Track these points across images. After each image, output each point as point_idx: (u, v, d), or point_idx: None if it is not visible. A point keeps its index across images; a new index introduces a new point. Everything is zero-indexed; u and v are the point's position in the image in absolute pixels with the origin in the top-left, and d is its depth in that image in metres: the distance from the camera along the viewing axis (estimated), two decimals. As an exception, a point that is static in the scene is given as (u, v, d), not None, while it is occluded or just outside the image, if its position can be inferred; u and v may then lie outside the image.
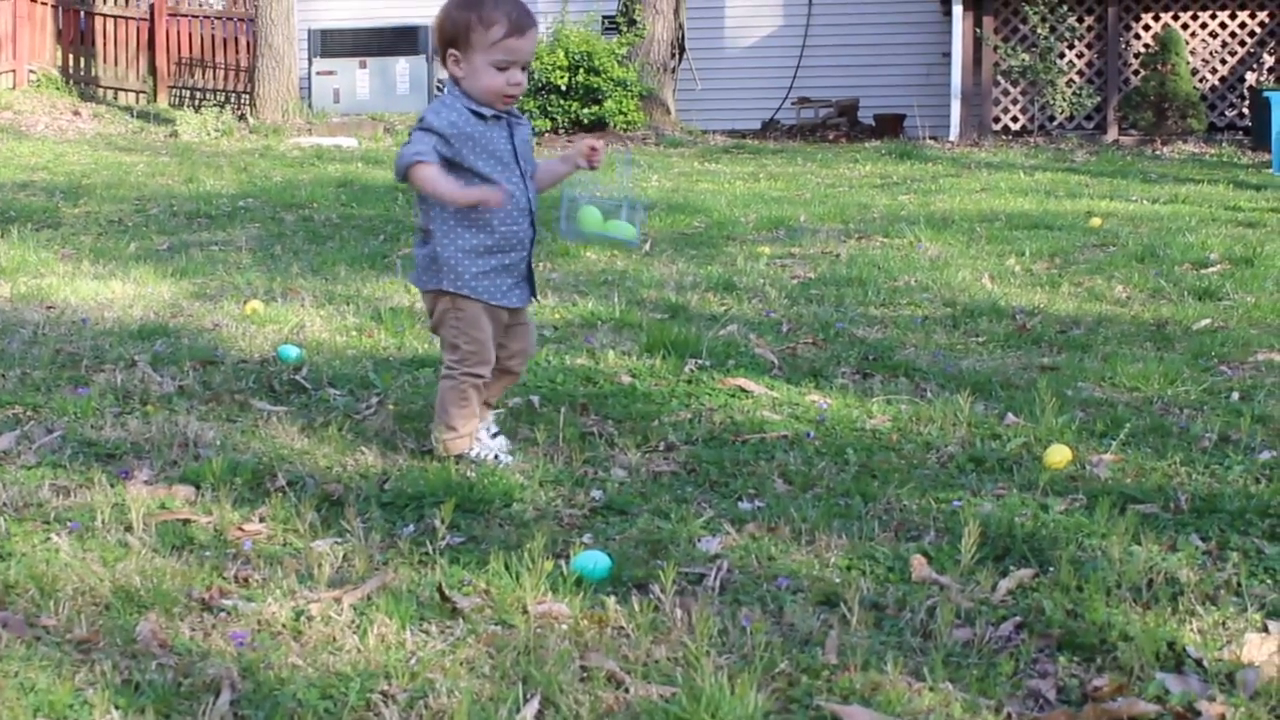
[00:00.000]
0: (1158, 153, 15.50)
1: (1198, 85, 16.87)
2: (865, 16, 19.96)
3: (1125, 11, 17.46)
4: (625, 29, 18.65)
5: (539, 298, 3.83)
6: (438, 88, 19.61)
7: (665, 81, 18.99)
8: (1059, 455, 3.70)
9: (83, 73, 20.07)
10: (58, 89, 19.39)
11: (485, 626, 2.64)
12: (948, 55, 17.94)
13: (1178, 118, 16.14)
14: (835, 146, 16.89)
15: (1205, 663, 2.46)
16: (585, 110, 17.34)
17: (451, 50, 3.61)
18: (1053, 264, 7.38)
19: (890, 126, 18.45)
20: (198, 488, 3.48)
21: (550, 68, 17.42)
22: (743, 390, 4.54)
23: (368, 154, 14.79)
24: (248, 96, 18.76)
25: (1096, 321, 5.79)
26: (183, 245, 8.21)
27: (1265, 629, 2.60)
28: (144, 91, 20.24)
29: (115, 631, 2.59)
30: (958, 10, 17.40)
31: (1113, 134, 17.00)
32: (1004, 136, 17.35)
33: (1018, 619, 2.66)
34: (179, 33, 20.54)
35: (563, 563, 2.92)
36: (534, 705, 2.31)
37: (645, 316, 5.81)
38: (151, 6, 20.45)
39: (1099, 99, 17.28)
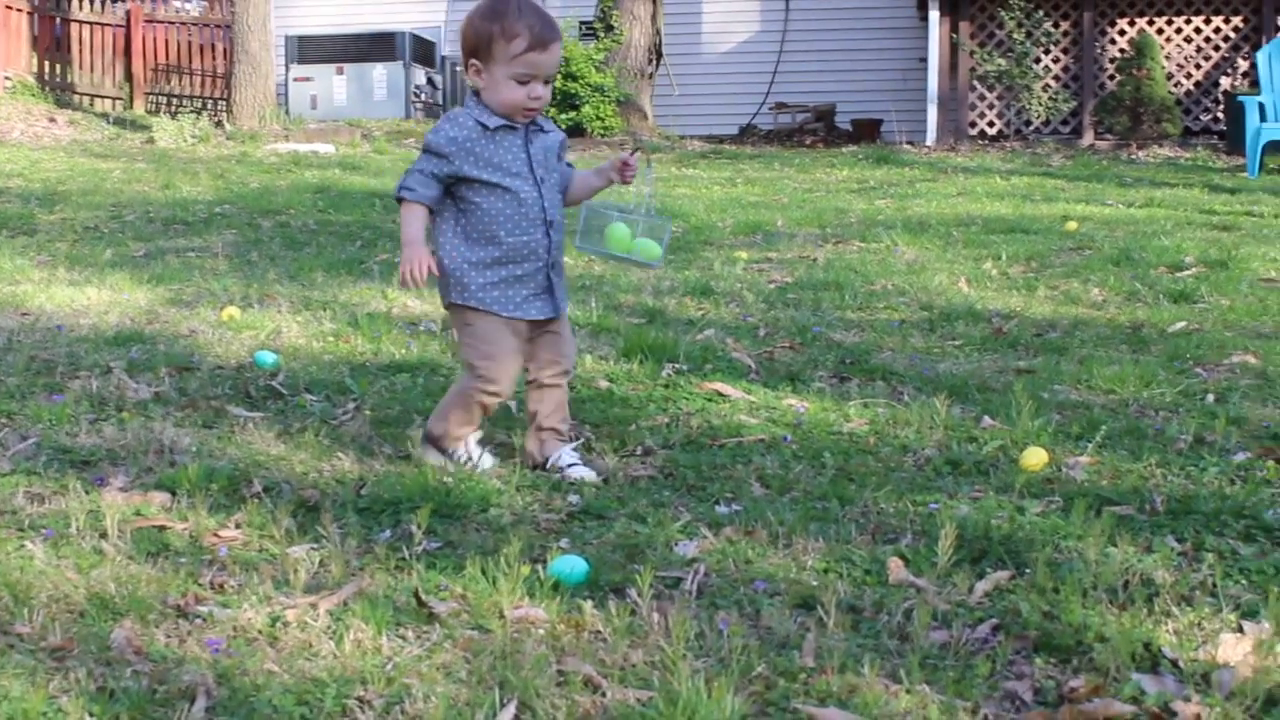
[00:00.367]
0: (1133, 157, 15.56)
1: (1173, 90, 16.94)
2: (842, 22, 20.02)
3: (1101, 16, 17.53)
4: (602, 35, 18.67)
5: (562, 309, 3.72)
6: (415, 94, 19.60)
7: (643, 87, 19.01)
8: (1035, 458, 3.71)
9: (59, 79, 20.01)
10: (33, 95, 19.32)
11: (462, 631, 2.63)
12: (924, 60, 18.00)
13: (1153, 122, 16.21)
14: (812, 151, 16.92)
15: (1181, 663, 2.46)
16: (563, 116, 17.34)
17: (473, 60, 3.58)
18: (1029, 267, 7.40)
19: (867, 131, 18.50)
20: (173, 494, 3.47)
21: (527, 73, 17.39)
22: (720, 394, 4.54)
23: (345, 160, 14.77)
24: (224, 103, 18.74)
25: (1072, 324, 5.81)
26: (159, 252, 8.18)
27: (1240, 629, 2.60)
28: (120, 98, 20.20)
29: (90, 639, 2.57)
30: (934, 16, 17.45)
31: (1088, 138, 17.06)
32: (980, 141, 17.40)
33: (994, 621, 2.66)
34: (155, 39, 20.51)
35: (540, 567, 2.91)
36: (510, 710, 2.30)
37: (622, 321, 5.81)
38: (128, 13, 20.42)
39: (1075, 104, 17.34)
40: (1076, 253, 7.92)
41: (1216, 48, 17.36)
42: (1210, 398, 4.50)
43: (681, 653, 2.44)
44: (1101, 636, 2.55)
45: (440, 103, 20.50)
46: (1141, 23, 17.42)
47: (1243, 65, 17.19)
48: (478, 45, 3.55)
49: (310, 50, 19.80)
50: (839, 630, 2.62)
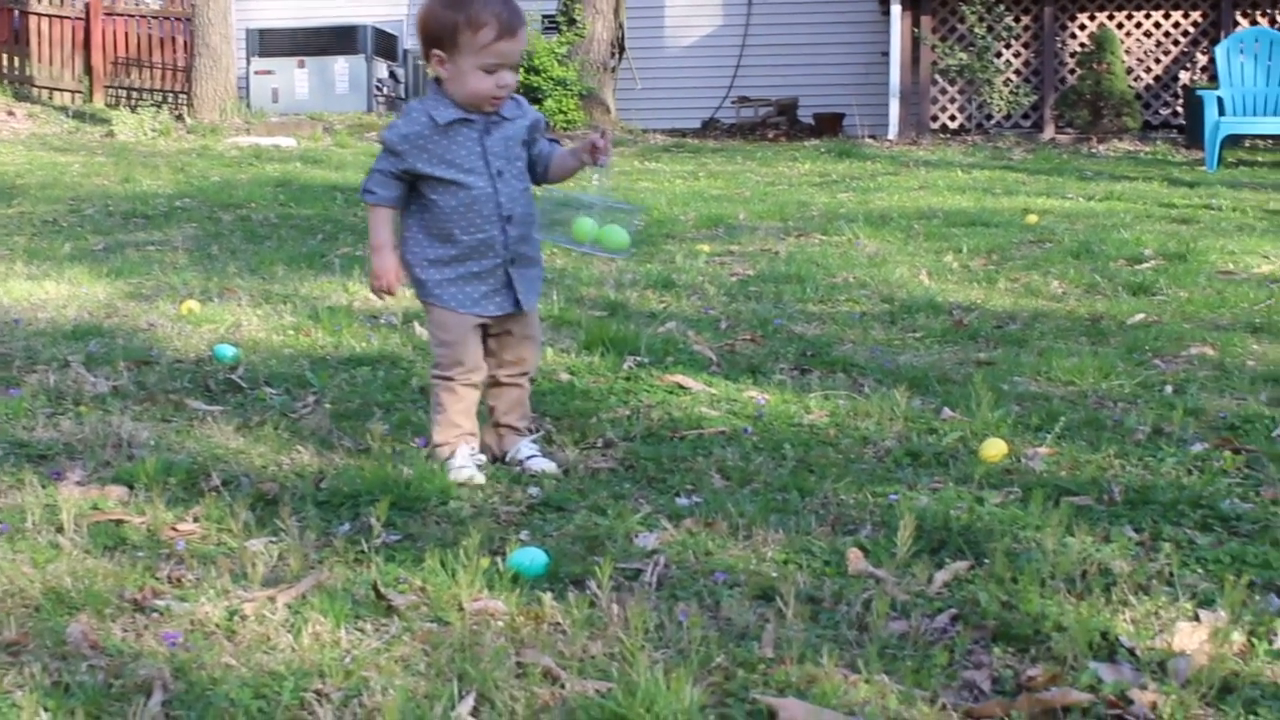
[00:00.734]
0: (1094, 150, 15.63)
1: (1133, 84, 17.02)
2: (804, 16, 20.05)
3: (1061, 11, 17.60)
4: (565, 28, 18.64)
5: (525, 305, 3.63)
6: (377, 87, 19.53)
7: (605, 81, 18.99)
8: (995, 449, 3.72)
9: (17, 72, 19.85)
10: (-9, 89, 19.19)
11: (420, 624, 2.63)
12: (886, 54, 18.03)
13: (1113, 116, 16.28)
14: (775, 145, 16.94)
15: (1138, 652, 2.47)
16: (525, 110, 17.28)
17: (435, 51, 3.47)
18: (990, 260, 7.43)
19: (829, 125, 18.52)
20: (131, 488, 3.45)
21: (490, 67, 17.37)
22: (681, 387, 4.54)
23: (306, 154, 14.71)
24: (185, 96, 18.63)
25: (1032, 317, 5.83)
26: (118, 245, 8.13)
27: (1197, 618, 2.62)
28: (80, 91, 20.06)
29: (45, 633, 2.55)
30: (896, 10, 17.48)
31: (1049, 132, 17.13)
32: (942, 135, 17.45)
33: (953, 611, 2.67)
34: (115, 32, 20.38)
35: (499, 560, 2.91)
36: (469, 702, 2.29)
37: (584, 314, 5.80)
38: (87, 6, 20.28)
39: (1036, 97, 17.40)
40: (1037, 245, 7.95)
41: (1176, 42, 17.46)
42: (1168, 389, 4.52)
43: (640, 644, 2.44)
44: (1059, 626, 2.56)
45: (403, 96, 20.44)
46: (1101, 17, 17.49)
47: (1202, 60, 17.28)
48: (440, 35, 3.44)
49: (271, 43, 19.71)
50: (798, 621, 2.62)
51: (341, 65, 19.54)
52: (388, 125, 3.57)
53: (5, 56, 19.88)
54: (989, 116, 17.55)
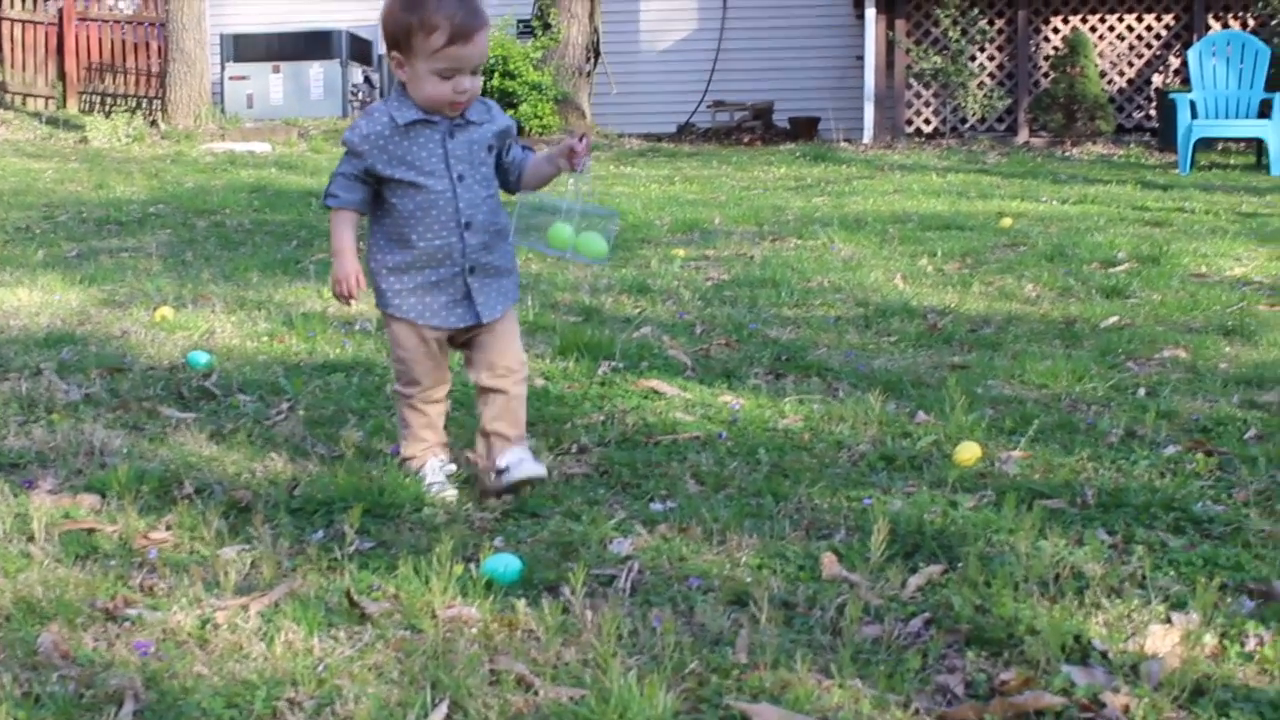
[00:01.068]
0: (1067, 154, 15.69)
1: (1106, 87, 17.09)
2: (779, 20, 20.07)
3: (1035, 15, 17.66)
4: (540, 33, 18.64)
5: (485, 317, 3.47)
6: (352, 92, 19.50)
7: (580, 85, 18.99)
8: (968, 452, 3.73)
9: (-11, 78, 19.78)
10: (-37, 95, 19.11)
11: (394, 631, 2.62)
12: (861, 58, 18.07)
13: (1087, 119, 16.34)
14: (750, 149, 16.96)
15: (1110, 654, 2.48)
16: (500, 114, 17.26)
17: (394, 53, 3.36)
18: (964, 264, 7.45)
19: (805, 129, 18.56)
20: (103, 496, 3.43)
21: (465, 72, 17.35)
22: (656, 392, 4.54)
23: (281, 159, 14.68)
24: (159, 102, 18.57)
25: (1006, 320, 5.85)
26: (92, 252, 8.10)
27: (1169, 620, 2.63)
28: (53, 97, 19.99)
29: (15, 643, 2.54)
30: (870, 14, 17.53)
31: (1023, 135, 17.19)
32: (917, 139, 17.50)
33: (926, 615, 2.68)
34: (89, 37, 20.30)
35: (473, 566, 2.90)
36: (442, 709, 2.29)
37: (559, 319, 5.80)
38: (60, 11, 20.20)
39: (1010, 101, 17.47)
40: (1011, 249, 7.98)
41: (1149, 45, 17.53)
42: (1141, 392, 4.54)
43: (614, 650, 2.44)
44: (1032, 629, 2.57)
45: (378, 100, 20.38)
46: (1075, 20, 17.56)
47: (1174, 63, 17.37)
48: (397, 36, 3.33)
49: (246, 48, 19.65)
50: (772, 626, 2.62)
51: (316, 70, 19.50)
52: (349, 126, 3.46)
53: (-23, 63, 19.82)
54: (963, 120, 17.61)
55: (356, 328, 5.64)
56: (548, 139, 17.19)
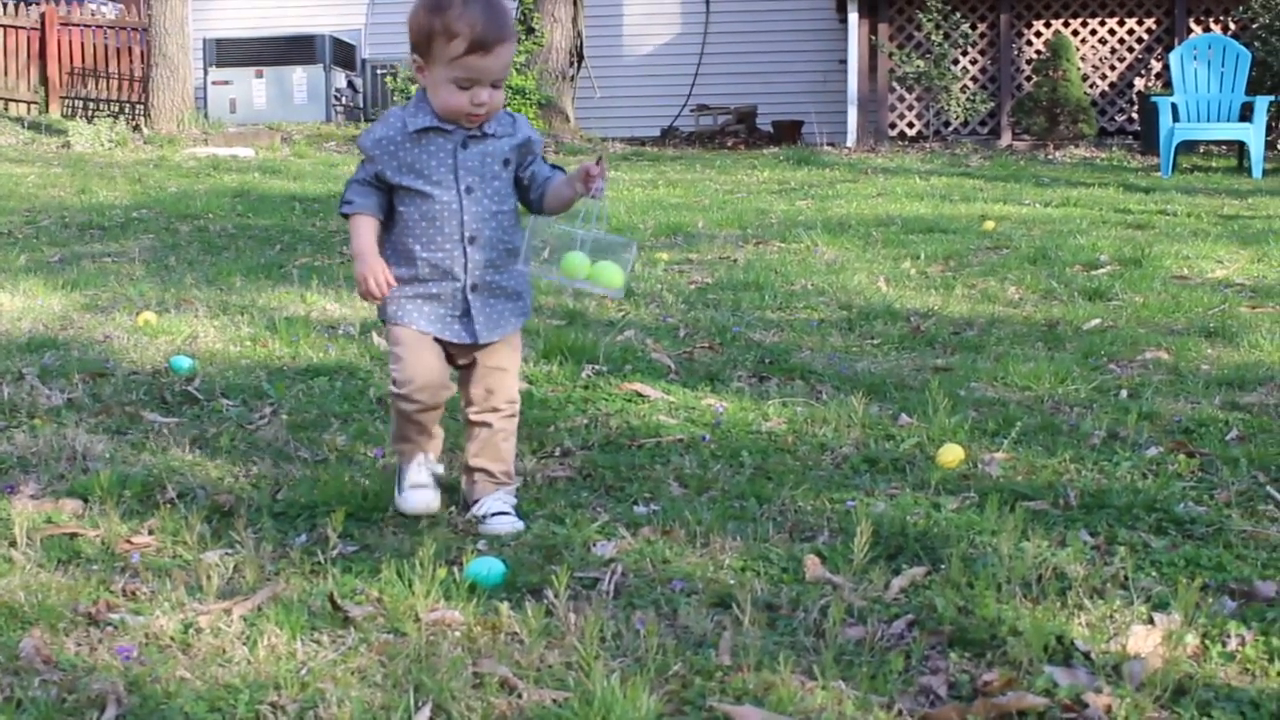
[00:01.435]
0: (1050, 157, 15.73)
1: (1088, 91, 17.14)
2: (762, 24, 20.09)
3: (1017, 18, 17.71)
4: (524, 37, 18.62)
5: (484, 338, 3.35)
6: (335, 97, 19.48)
7: (564, 89, 18.99)
8: (951, 454, 3.74)
9: (-29, 84, 19.72)
10: (-55, 100, 19.04)
11: (377, 635, 2.62)
12: (844, 62, 18.10)
13: (1069, 122, 16.38)
14: (734, 153, 16.97)
15: (1093, 655, 2.49)
16: (484, 119, 17.25)
17: (415, 57, 3.27)
18: (947, 267, 7.46)
19: (788, 133, 18.58)
20: (86, 501, 3.43)
21: (448, 76, 17.34)
22: (639, 395, 4.54)
23: (265, 164, 14.65)
24: (142, 107, 18.51)
25: (989, 323, 5.86)
26: (74, 257, 8.08)
27: (1151, 621, 2.63)
28: (35, 102, 19.94)
29: (-2, 648, 2.54)
30: (853, 18, 17.55)
31: (1006, 139, 17.22)
32: (900, 142, 17.53)
33: (910, 616, 2.68)
34: (71, 42, 20.26)
35: (456, 569, 2.90)
36: (425, 713, 2.29)
37: (542, 322, 5.80)
38: (42, 16, 20.15)
39: (993, 104, 17.50)
40: (994, 252, 7.99)
41: (1130, 49, 17.59)
42: (1123, 393, 4.55)
43: (597, 653, 2.44)
44: (1015, 630, 2.57)
45: (361, 106, 20.38)
46: (1057, 24, 17.61)
47: (1156, 66, 17.42)
48: (419, 40, 3.24)
49: (229, 53, 19.63)
50: (755, 628, 2.62)
51: (300, 75, 19.48)
52: (364, 130, 3.38)
53: (-41, 67, 19.76)
54: (946, 124, 17.64)
55: (340, 332, 5.63)
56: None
